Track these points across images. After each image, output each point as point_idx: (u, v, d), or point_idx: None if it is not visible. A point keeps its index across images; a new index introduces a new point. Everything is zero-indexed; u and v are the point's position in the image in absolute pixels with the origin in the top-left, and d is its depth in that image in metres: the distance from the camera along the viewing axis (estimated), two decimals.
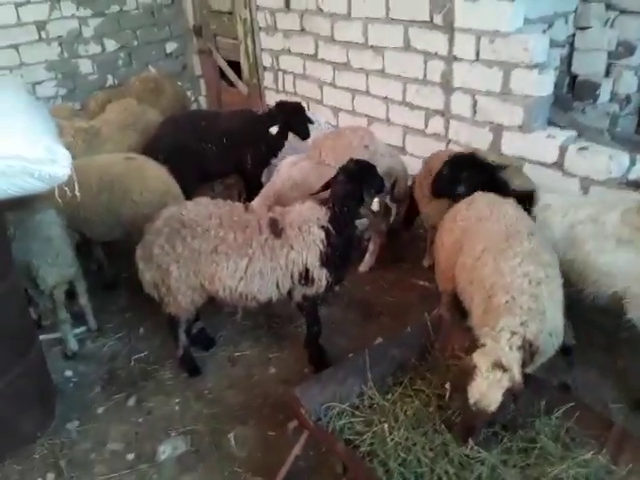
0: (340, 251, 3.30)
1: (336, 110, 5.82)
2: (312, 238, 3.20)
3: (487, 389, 2.34)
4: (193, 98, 7.90)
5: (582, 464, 2.34)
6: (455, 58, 4.49)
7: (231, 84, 7.20)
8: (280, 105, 5.01)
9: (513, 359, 2.42)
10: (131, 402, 3.49)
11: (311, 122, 5.06)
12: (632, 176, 3.82)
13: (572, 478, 2.28)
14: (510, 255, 2.80)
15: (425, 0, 4.54)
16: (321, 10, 5.50)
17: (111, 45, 7.08)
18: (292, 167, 4.38)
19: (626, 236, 3.01)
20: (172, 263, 3.23)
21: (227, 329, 4.11)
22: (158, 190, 4.03)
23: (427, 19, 4.58)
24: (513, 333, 2.52)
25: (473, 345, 2.82)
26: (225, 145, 4.89)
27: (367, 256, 4.61)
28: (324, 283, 3.32)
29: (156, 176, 4.13)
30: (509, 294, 2.64)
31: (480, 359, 2.41)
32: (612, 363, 3.53)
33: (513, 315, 2.56)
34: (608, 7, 5.16)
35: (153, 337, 4.05)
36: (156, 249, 3.25)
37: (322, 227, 3.23)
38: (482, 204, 3.24)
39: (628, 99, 5.40)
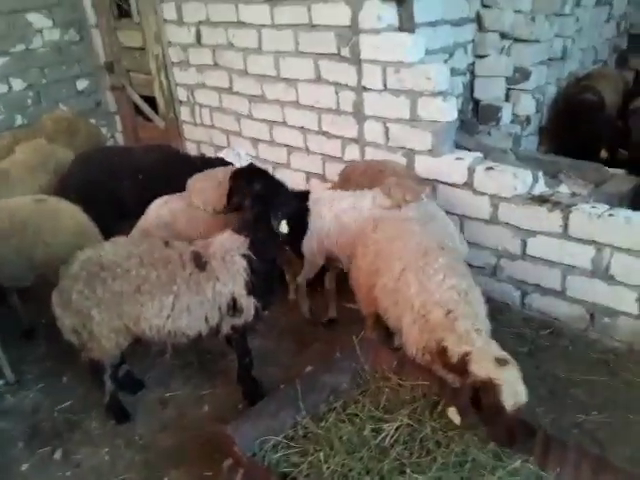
0: (265, 276, 3.30)
1: (255, 141, 5.87)
2: (236, 268, 3.19)
3: (517, 385, 2.40)
4: (109, 135, 7.72)
5: (513, 472, 2.43)
6: (364, 88, 4.65)
7: (148, 119, 7.10)
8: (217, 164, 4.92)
9: (497, 349, 2.53)
10: (57, 455, 3.31)
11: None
12: (536, 192, 4.08)
13: None
14: (431, 272, 2.91)
15: (331, 34, 4.69)
16: (232, 45, 5.57)
17: (18, 84, 6.82)
18: (163, 206, 4.30)
19: (380, 215, 3.60)
20: (93, 307, 3.12)
21: (156, 370, 3.99)
22: (72, 230, 3.89)
23: (335, 52, 4.74)
24: (477, 330, 2.63)
25: (402, 364, 2.92)
26: (141, 181, 4.79)
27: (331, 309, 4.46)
28: (252, 312, 3.31)
29: (70, 216, 3.99)
30: (444, 308, 2.75)
31: (485, 367, 2.43)
32: (534, 369, 3.71)
33: (465, 318, 2.68)
34: (503, 36, 5.57)
35: (77, 385, 3.86)
36: (75, 294, 3.13)
37: (244, 255, 3.22)
38: (388, 225, 3.37)
39: (528, 120, 5.82)
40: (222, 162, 5.28)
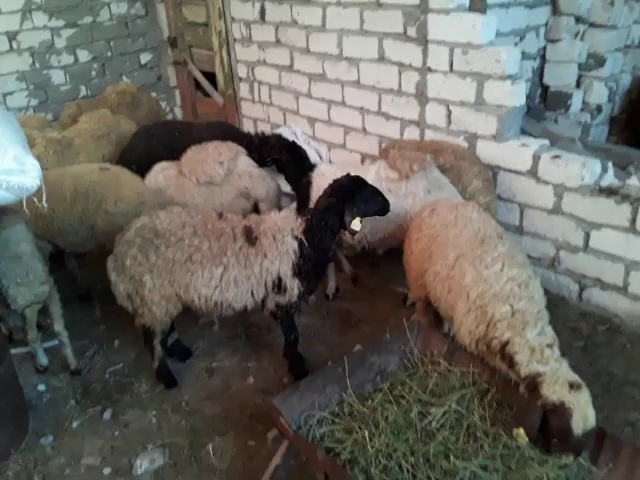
0: (313, 263, 3.27)
1: (312, 120, 5.83)
2: (285, 248, 3.18)
3: (588, 410, 2.35)
4: (168, 109, 7.85)
5: (562, 466, 2.35)
6: (429, 69, 4.53)
7: (206, 95, 7.17)
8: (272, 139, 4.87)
9: (568, 370, 2.46)
10: (107, 416, 3.42)
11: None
12: (604, 183, 3.89)
13: (553, 478, 2.29)
14: (489, 261, 2.83)
15: (399, 13, 4.58)
16: (296, 22, 5.53)
17: (84, 56, 6.99)
18: (159, 172, 4.45)
19: (385, 187, 3.72)
20: (145, 273, 3.19)
21: (204, 340, 4.06)
22: (132, 201, 3.98)
23: (401, 31, 4.63)
24: (549, 345, 2.54)
25: (452, 350, 2.86)
26: None
27: (330, 283, 4.42)
28: (296, 292, 3.30)
29: (131, 187, 4.07)
30: (506, 303, 2.67)
31: (559, 391, 2.37)
32: (589, 364, 3.57)
33: (532, 326, 2.59)
34: (578, 20, 5.31)
35: (128, 350, 3.97)
36: (128, 260, 3.20)
37: (295, 237, 3.21)
38: (445, 211, 3.28)
39: (599, 109, 5.54)
40: (279, 139, 5.30)
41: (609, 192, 3.81)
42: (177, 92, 7.77)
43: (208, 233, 3.16)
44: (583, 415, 2.33)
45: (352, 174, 3.38)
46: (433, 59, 4.49)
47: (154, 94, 7.15)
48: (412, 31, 4.56)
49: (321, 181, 3.96)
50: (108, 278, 3.33)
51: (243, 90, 6.58)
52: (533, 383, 2.45)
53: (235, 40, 6.35)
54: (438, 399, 2.63)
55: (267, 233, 3.21)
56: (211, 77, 6.94)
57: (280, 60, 5.90)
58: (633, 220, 3.67)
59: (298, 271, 3.23)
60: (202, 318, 4.11)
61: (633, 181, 3.94)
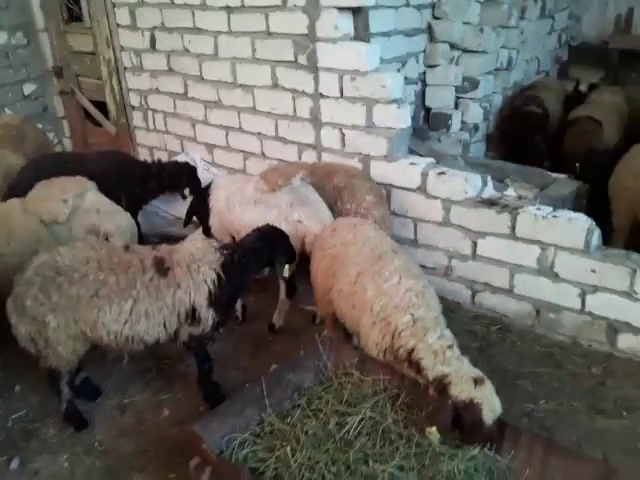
0: (229, 295, 3.33)
1: (211, 147, 5.88)
2: (201, 278, 3.19)
3: (494, 401, 2.57)
4: (56, 140, 7.53)
5: (471, 459, 2.56)
6: (321, 95, 4.76)
7: (97, 124, 6.99)
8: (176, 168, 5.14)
9: (470, 367, 2.69)
10: (14, 465, 3.20)
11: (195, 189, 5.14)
12: (485, 195, 4.27)
13: (463, 472, 2.48)
14: (387, 275, 3.03)
15: (289, 42, 4.78)
16: (188, 50, 5.58)
17: None
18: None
19: (258, 198, 4.10)
20: (48, 313, 3.06)
21: (113, 376, 3.92)
22: (27, 239, 3.81)
23: (292, 59, 4.82)
24: (449, 346, 2.76)
25: (363, 360, 3.02)
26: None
27: (276, 315, 4.40)
28: (210, 323, 3.31)
29: (23, 224, 3.90)
30: (407, 312, 2.86)
31: (466, 390, 2.57)
32: (486, 363, 3.86)
33: (432, 331, 2.80)
34: (452, 47, 5.80)
35: (31, 394, 3.75)
36: (29, 300, 3.07)
37: (213, 269, 3.24)
38: (344, 230, 3.48)
39: (476, 127, 6.07)
40: (177, 166, 5.31)
41: (490, 203, 4.19)
42: (65, 122, 7.49)
43: (114, 266, 3.10)
44: (491, 406, 2.56)
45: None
46: (324, 85, 4.72)
47: (40, 125, 6.85)
48: (303, 59, 4.77)
49: (218, 193, 4.33)
50: (8, 320, 3.16)
51: (137, 119, 6.49)
52: (441, 384, 2.64)
53: (125, 69, 6.28)
54: (353, 408, 2.77)
55: (181, 263, 3.19)
56: (101, 106, 6.78)
57: (174, 88, 5.90)
58: (513, 227, 4.05)
59: (214, 302, 3.24)
60: (110, 354, 3.99)
61: (510, 192, 4.38)
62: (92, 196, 4.41)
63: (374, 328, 2.95)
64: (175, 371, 3.98)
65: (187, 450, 2.97)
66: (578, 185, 4.85)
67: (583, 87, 6.42)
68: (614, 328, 3.80)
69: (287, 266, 3.56)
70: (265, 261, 3.46)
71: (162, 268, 3.16)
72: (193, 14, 5.35)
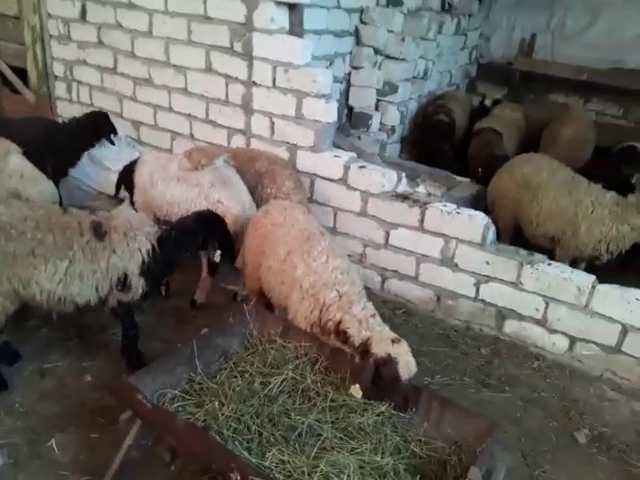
0: (160, 268, 3.47)
1: (137, 124, 5.89)
2: (137, 246, 3.32)
3: (409, 357, 2.88)
4: None
5: (379, 414, 2.90)
6: (254, 83, 4.96)
7: (15, 91, 6.73)
8: (90, 117, 5.08)
9: (389, 331, 3.02)
10: None
11: (115, 132, 5.17)
12: (399, 190, 4.69)
13: (372, 425, 2.82)
14: (316, 254, 3.32)
15: (225, 28, 4.94)
16: (120, 25, 5.56)
17: None
18: None
19: (181, 176, 4.25)
20: None
21: (32, 342, 3.92)
22: None
23: (228, 45, 4.99)
24: (372, 315, 3.08)
25: (286, 329, 3.29)
26: (24, 154, 4.64)
27: (198, 292, 4.55)
28: (140, 292, 3.44)
29: None
30: (334, 289, 3.15)
31: (385, 347, 2.87)
32: None
33: (357, 303, 3.10)
34: (376, 52, 6.22)
35: None
36: None
37: (149, 240, 3.38)
38: (276, 211, 3.73)
39: (393, 130, 6.54)
40: (90, 116, 5.27)
41: (403, 198, 4.61)
42: None
43: (52, 227, 3.14)
44: (406, 362, 2.90)
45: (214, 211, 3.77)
46: (258, 74, 4.93)
47: None
48: (238, 46, 4.94)
49: (142, 169, 4.43)
50: None
51: (59, 89, 6.35)
52: (365, 346, 2.94)
53: (51, 37, 6.13)
54: (277, 370, 3.04)
55: (118, 229, 3.29)
56: (22, 73, 6.54)
57: (102, 61, 5.86)
58: (421, 220, 4.50)
59: (145, 271, 3.37)
60: (31, 321, 3.98)
61: (421, 189, 4.83)
62: (16, 159, 4.35)
63: (303, 303, 3.22)
64: (97, 340, 4.04)
65: (110, 412, 3.13)
66: (479, 188, 5.42)
67: (488, 102, 7.10)
68: (502, 314, 4.34)
69: (219, 252, 3.71)
70: (200, 243, 3.61)
71: (100, 232, 3.25)
72: None
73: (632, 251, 4.62)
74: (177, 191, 4.21)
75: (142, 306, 3.63)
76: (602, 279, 4.04)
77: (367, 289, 4.76)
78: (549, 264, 4.15)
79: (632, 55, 7.54)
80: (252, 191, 4.41)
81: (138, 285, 3.41)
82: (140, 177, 4.42)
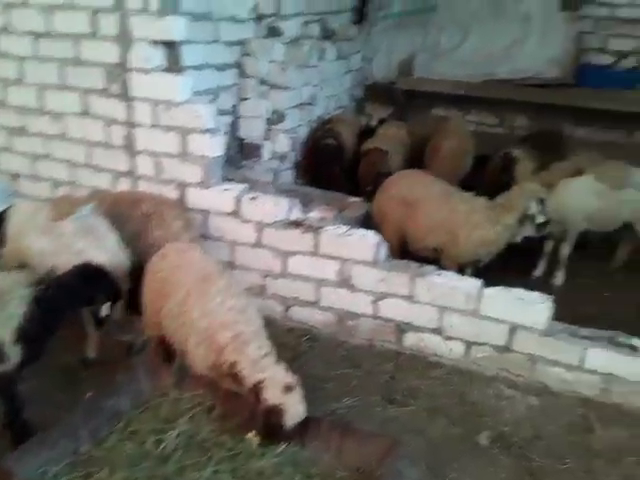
0: (40, 331, 3.23)
1: (15, 176, 5.60)
2: (10, 311, 3.10)
3: (299, 407, 2.86)
4: None
5: (279, 455, 2.89)
6: (135, 124, 4.87)
7: None
8: None
9: (284, 373, 2.98)
10: None
11: None
12: (292, 217, 4.72)
13: (272, 467, 2.80)
14: (212, 295, 3.27)
15: (100, 70, 4.83)
16: None
17: None
18: None
19: (46, 226, 4.10)
20: None
21: None
22: None
23: (104, 87, 4.87)
24: (266, 354, 3.04)
25: (180, 379, 3.22)
26: None
27: (88, 349, 4.28)
28: (16, 361, 3.17)
29: None
30: (229, 329, 3.10)
31: (276, 394, 2.84)
32: (297, 372, 4.20)
33: (252, 342, 3.07)
34: (261, 82, 6.27)
35: None
36: None
37: (24, 304, 3.15)
38: (173, 254, 3.68)
39: (285, 157, 6.60)
40: None
41: (296, 225, 4.65)
42: None
43: None
44: (294, 412, 2.90)
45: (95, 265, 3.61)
46: (138, 114, 4.83)
47: None
48: (115, 88, 4.83)
49: (14, 218, 4.26)
50: None
51: None
52: (256, 390, 2.92)
53: None
54: (171, 424, 2.95)
55: None
56: None
57: None
58: (316, 245, 4.55)
59: (22, 337, 3.13)
60: None
61: (313, 214, 4.89)
62: None
63: (200, 346, 3.15)
64: None
65: None
66: (369, 207, 5.58)
67: (374, 122, 7.35)
68: (401, 328, 4.46)
69: (106, 305, 3.55)
70: (85, 299, 3.46)
71: None
72: None
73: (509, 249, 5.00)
74: (43, 242, 4.07)
75: (21, 375, 3.34)
76: (488, 281, 4.25)
77: (271, 319, 4.86)
78: (438, 274, 4.32)
79: (501, 67, 8.10)
80: (140, 235, 4.31)
81: (15, 354, 3.14)
82: (11, 227, 4.25)
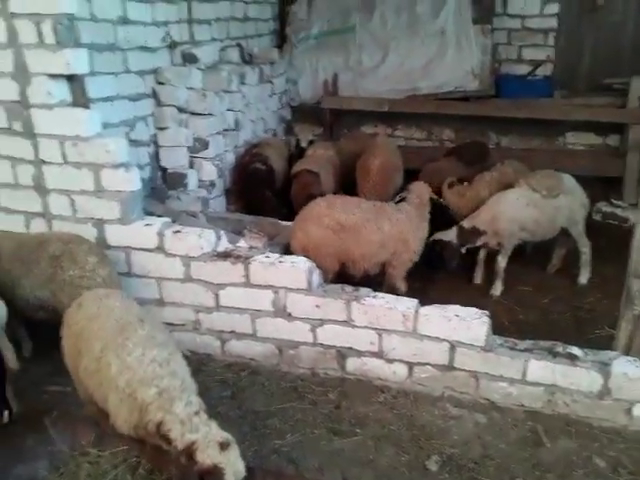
0: None
1: None
2: None
3: (237, 464, 2.67)
4: None
5: None
6: (44, 161, 4.55)
7: None
8: None
9: (217, 430, 2.74)
10: None
11: None
12: (220, 248, 4.51)
13: None
14: (131, 348, 3.00)
15: (1, 108, 4.51)
16: None
17: None
18: None
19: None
20: None
21: None
22: None
23: (6, 126, 4.54)
24: (196, 413, 2.78)
25: (100, 435, 2.93)
26: None
27: None
28: None
29: None
30: (152, 385, 2.83)
31: (211, 454, 2.63)
32: (237, 409, 4.02)
33: (179, 400, 2.81)
34: (180, 110, 6.08)
35: None
36: None
37: None
38: (90, 302, 3.38)
39: (213, 184, 6.42)
40: None
41: (225, 256, 4.44)
42: None
43: None
44: (234, 470, 2.67)
45: None
46: (45, 152, 4.52)
47: None
48: (18, 125, 4.51)
49: None
50: None
51: None
52: (189, 451, 2.68)
53: None
54: None
55: None
56: None
57: None
58: (247, 276, 4.35)
59: None
60: None
61: (242, 244, 4.70)
62: None
63: (122, 406, 2.87)
64: None
65: None
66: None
67: (304, 143, 7.28)
68: (342, 354, 4.30)
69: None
70: None
71: None
72: None
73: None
74: None
75: None
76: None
77: (207, 355, 4.64)
78: (374, 296, 4.20)
79: (423, 82, 8.24)
80: (51, 278, 4.02)
81: None
82: None
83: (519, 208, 5.52)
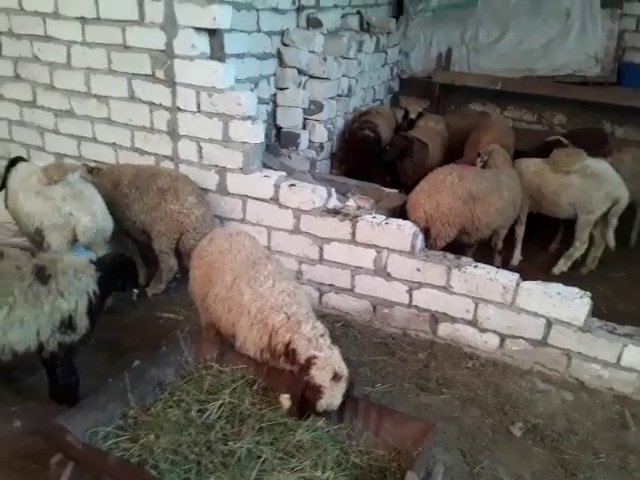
0: (99, 307, 3.50)
1: (60, 156, 5.76)
2: (84, 287, 3.34)
3: (335, 399, 2.88)
4: None
5: (316, 429, 2.94)
6: (179, 109, 4.97)
7: None
8: None
9: (338, 358, 2.97)
10: None
11: None
12: (330, 205, 4.78)
13: (310, 441, 2.86)
14: (262, 280, 3.31)
15: (146, 56, 4.93)
16: (38, 58, 5.46)
17: None
18: None
19: (39, 189, 4.35)
20: None
21: None
22: None
23: (149, 73, 4.98)
24: (321, 335, 3.06)
25: (222, 353, 3.29)
26: None
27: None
28: (84, 331, 3.41)
29: None
30: (281, 312, 3.14)
31: (324, 377, 2.86)
32: None
33: (306, 323, 3.09)
34: (300, 72, 6.34)
35: None
36: None
37: (94, 281, 3.43)
38: (221, 239, 3.72)
39: (322, 147, 6.67)
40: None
41: (334, 212, 4.70)
42: None
43: None
44: (331, 402, 2.90)
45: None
46: (182, 100, 4.93)
47: None
48: (160, 73, 4.94)
49: (15, 176, 4.57)
50: None
51: None
52: (307, 364, 2.93)
53: None
54: (214, 395, 3.03)
55: (66, 272, 3.28)
56: None
57: (21, 95, 5.71)
58: (353, 233, 4.60)
59: (91, 311, 3.39)
60: None
61: (351, 203, 4.94)
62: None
63: (252, 329, 3.18)
64: (23, 383, 3.87)
65: (45, 457, 3.01)
66: (407, 198, 5.58)
67: (413, 114, 7.35)
68: (435, 318, 4.48)
69: (136, 291, 3.92)
70: (119, 284, 3.72)
71: (43, 276, 3.20)
72: (44, 21, 5.27)
73: None
74: (34, 203, 4.34)
75: (83, 344, 3.55)
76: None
77: None
78: (475, 266, 4.32)
79: (541, 63, 8.02)
80: (155, 207, 4.63)
81: (83, 326, 3.37)
82: (10, 186, 4.57)
83: None
